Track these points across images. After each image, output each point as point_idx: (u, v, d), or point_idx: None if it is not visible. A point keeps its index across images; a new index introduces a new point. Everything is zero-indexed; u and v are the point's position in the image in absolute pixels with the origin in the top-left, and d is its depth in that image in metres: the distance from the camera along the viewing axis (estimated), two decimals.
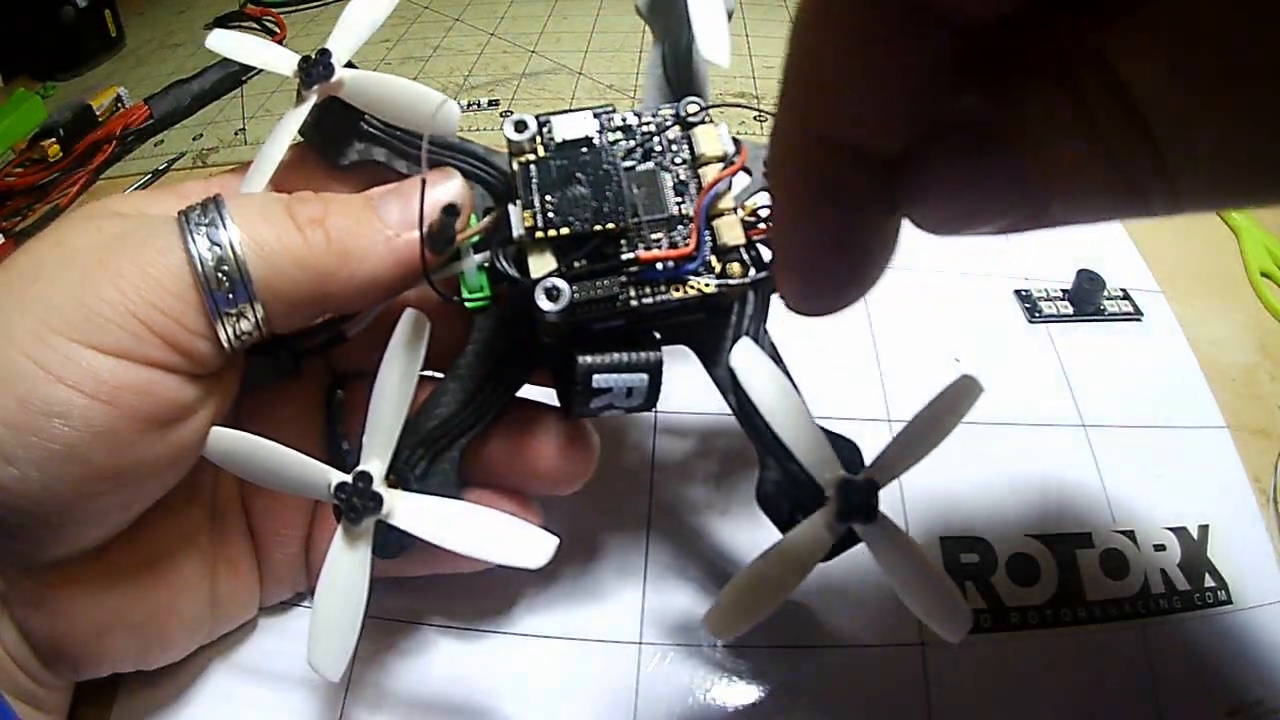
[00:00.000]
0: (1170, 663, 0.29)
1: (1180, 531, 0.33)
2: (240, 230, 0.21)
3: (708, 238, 0.23)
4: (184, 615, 0.25)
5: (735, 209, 0.23)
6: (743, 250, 0.23)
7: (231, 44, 0.27)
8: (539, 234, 0.21)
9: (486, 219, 0.24)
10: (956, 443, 0.35)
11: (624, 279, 0.22)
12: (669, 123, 0.24)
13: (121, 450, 0.20)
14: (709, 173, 0.23)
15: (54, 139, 0.50)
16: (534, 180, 0.22)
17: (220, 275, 0.20)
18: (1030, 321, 0.41)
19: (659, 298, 0.22)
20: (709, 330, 0.25)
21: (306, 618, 0.23)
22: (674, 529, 0.32)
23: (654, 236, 0.23)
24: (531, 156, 0.23)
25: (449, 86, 0.57)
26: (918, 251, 0.44)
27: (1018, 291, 0.42)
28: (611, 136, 0.24)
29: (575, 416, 0.25)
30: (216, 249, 0.21)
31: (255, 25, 0.66)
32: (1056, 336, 0.40)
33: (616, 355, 0.23)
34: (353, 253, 0.22)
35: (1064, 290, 0.42)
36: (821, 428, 0.23)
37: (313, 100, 0.25)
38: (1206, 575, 0.32)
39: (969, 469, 0.34)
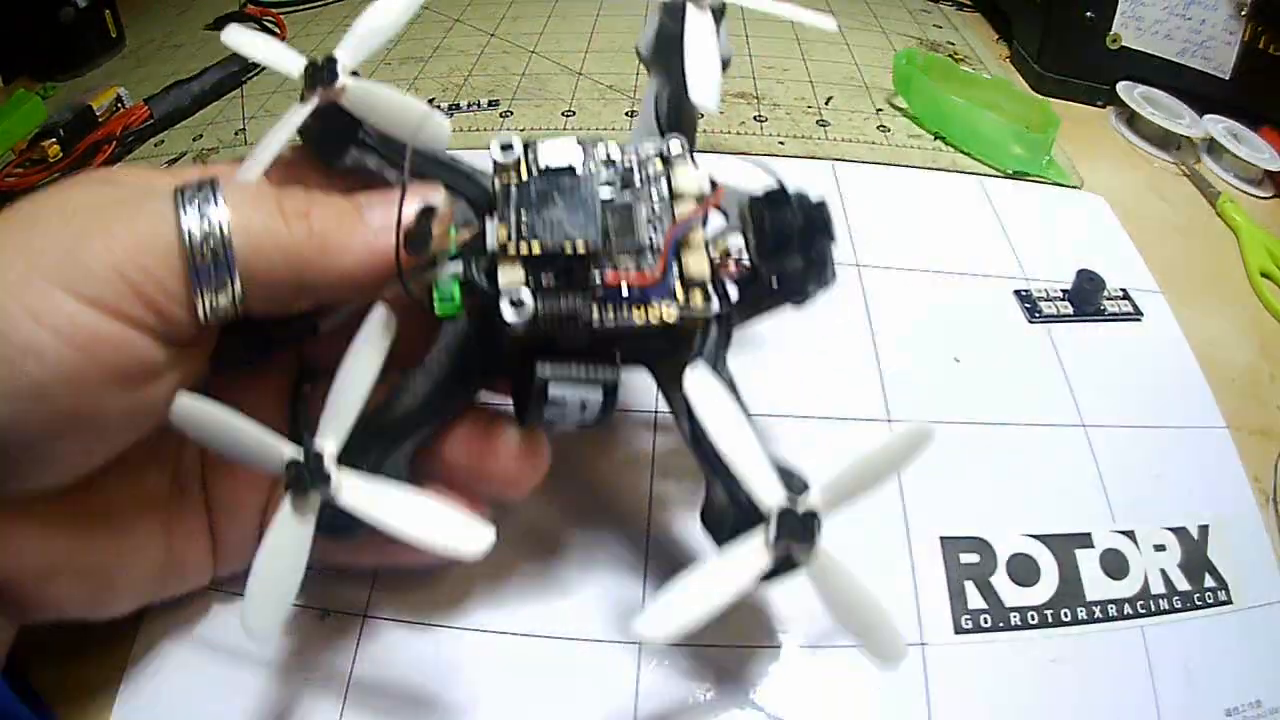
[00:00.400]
0: (1170, 663, 0.29)
1: (1180, 531, 0.33)
2: (230, 210, 0.22)
3: (675, 268, 0.23)
4: (132, 571, 0.26)
5: (706, 244, 0.24)
6: (709, 284, 0.23)
7: (244, 41, 0.27)
8: (511, 248, 0.22)
9: (465, 232, 0.24)
10: (957, 443, 0.36)
11: (589, 299, 0.23)
12: (651, 158, 0.25)
13: (86, 397, 0.21)
14: (684, 208, 0.24)
15: (54, 139, 0.50)
16: (513, 198, 0.23)
17: (205, 249, 0.22)
18: (1030, 321, 0.41)
19: (621, 320, 0.23)
20: (669, 356, 0.25)
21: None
22: (674, 528, 0.32)
23: (623, 263, 0.23)
24: (514, 177, 0.24)
25: (449, 87, 0.57)
26: (918, 251, 0.44)
27: (1018, 291, 0.42)
28: (594, 167, 0.24)
29: (527, 424, 0.25)
30: (205, 223, 0.22)
31: (255, 25, 0.66)
32: (1056, 336, 0.40)
33: (575, 368, 0.23)
34: (332, 246, 0.23)
35: (1064, 290, 0.42)
36: (772, 460, 0.23)
37: (314, 103, 0.25)
38: (1206, 575, 0.32)
39: (969, 469, 0.34)
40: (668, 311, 0.23)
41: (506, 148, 0.24)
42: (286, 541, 0.23)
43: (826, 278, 0.25)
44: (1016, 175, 0.50)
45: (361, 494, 0.23)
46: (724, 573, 0.22)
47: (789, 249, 0.24)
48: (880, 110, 0.55)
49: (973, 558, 0.32)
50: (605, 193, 0.24)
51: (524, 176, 0.24)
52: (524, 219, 0.23)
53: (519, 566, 0.31)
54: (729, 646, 0.29)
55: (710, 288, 0.23)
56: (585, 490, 0.33)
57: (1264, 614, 0.31)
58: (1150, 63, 0.56)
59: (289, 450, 0.23)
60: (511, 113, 0.54)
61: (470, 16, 0.66)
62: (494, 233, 0.23)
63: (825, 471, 0.23)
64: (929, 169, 0.50)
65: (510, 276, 0.23)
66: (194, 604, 0.30)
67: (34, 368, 0.20)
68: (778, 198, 0.24)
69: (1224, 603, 0.31)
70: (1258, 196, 0.51)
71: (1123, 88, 0.56)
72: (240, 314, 0.23)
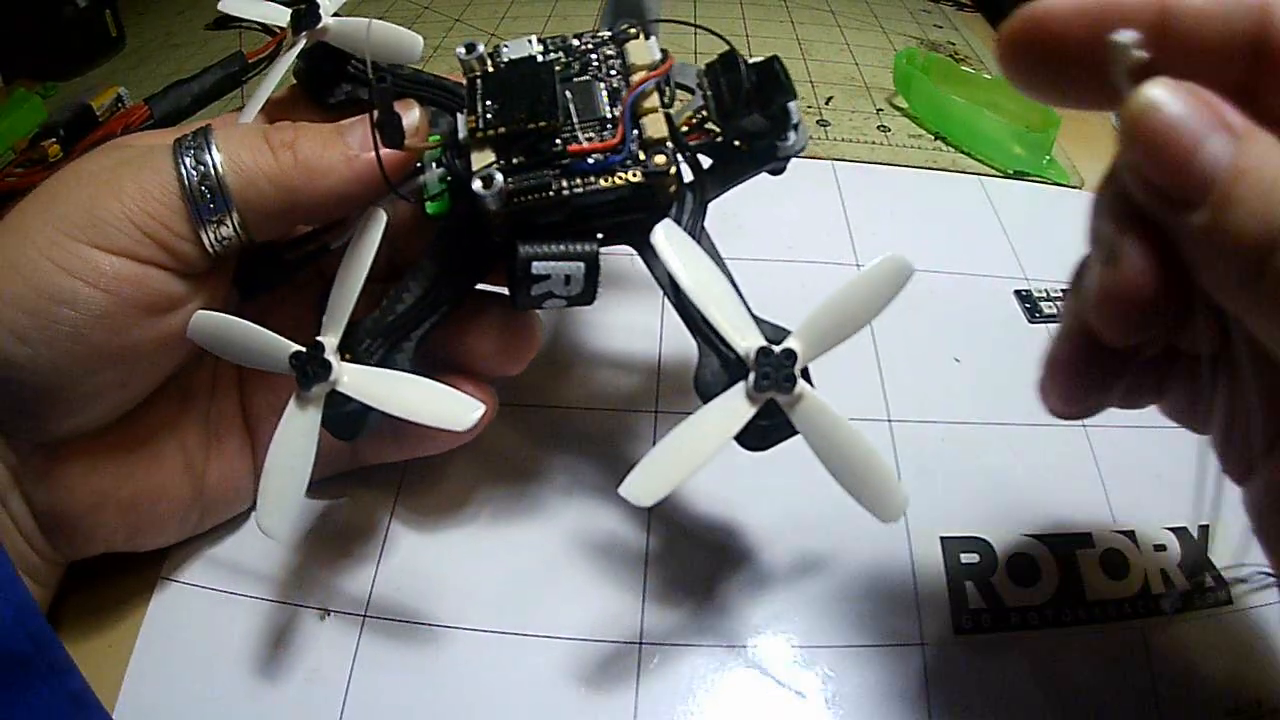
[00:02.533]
0: (1170, 663, 0.29)
1: (1180, 531, 0.33)
2: (221, 153, 0.25)
3: (634, 134, 0.25)
4: (170, 499, 0.29)
5: (665, 111, 0.25)
6: (669, 146, 0.25)
7: (238, 5, 0.32)
8: (479, 134, 0.24)
9: (449, 135, 0.27)
10: (957, 443, 0.35)
11: (556, 170, 0.24)
12: (605, 41, 0.27)
13: (118, 332, 0.24)
14: (637, 78, 0.26)
15: (54, 139, 0.50)
16: (479, 91, 0.25)
17: (203, 189, 0.24)
18: (1030, 321, 0.41)
19: (589, 187, 0.24)
20: (649, 228, 0.26)
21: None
22: (674, 529, 0.32)
23: (586, 136, 0.25)
24: (479, 71, 0.26)
25: None
26: (918, 251, 0.44)
27: (1018, 291, 0.42)
28: (554, 56, 0.27)
29: (520, 306, 0.26)
30: (201, 168, 0.24)
31: (256, 26, 0.66)
32: None
33: (555, 245, 0.25)
34: (317, 170, 0.25)
35: (1064, 290, 0.42)
36: (755, 315, 0.24)
37: (301, 44, 0.28)
38: (1206, 575, 0.32)
39: (969, 469, 0.34)
40: (632, 174, 0.24)
41: (470, 48, 0.26)
42: (295, 435, 0.25)
43: (790, 137, 0.27)
44: (1017, 175, 0.50)
45: (360, 380, 0.25)
46: (706, 427, 0.23)
47: (746, 107, 0.25)
48: (880, 110, 0.55)
49: (973, 558, 0.32)
50: (565, 74, 0.26)
51: (489, 70, 0.26)
52: (490, 106, 0.25)
53: (519, 567, 0.31)
54: (730, 646, 0.29)
55: (671, 147, 0.25)
56: (587, 492, 0.33)
57: (1264, 614, 0.31)
58: None
59: (293, 346, 0.25)
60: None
61: (470, 16, 0.66)
62: (463, 123, 0.25)
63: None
64: (929, 169, 0.50)
65: (482, 159, 0.24)
66: (195, 603, 0.30)
67: (69, 312, 0.23)
68: (730, 59, 0.25)
69: (1224, 603, 0.31)
70: None
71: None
72: (245, 242, 0.26)
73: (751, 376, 0.23)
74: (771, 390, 0.23)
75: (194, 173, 0.24)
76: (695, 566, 0.31)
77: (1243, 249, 0.16)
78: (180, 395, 0.29)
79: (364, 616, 0.29)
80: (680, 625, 0.29)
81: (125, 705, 0.27)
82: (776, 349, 0.23)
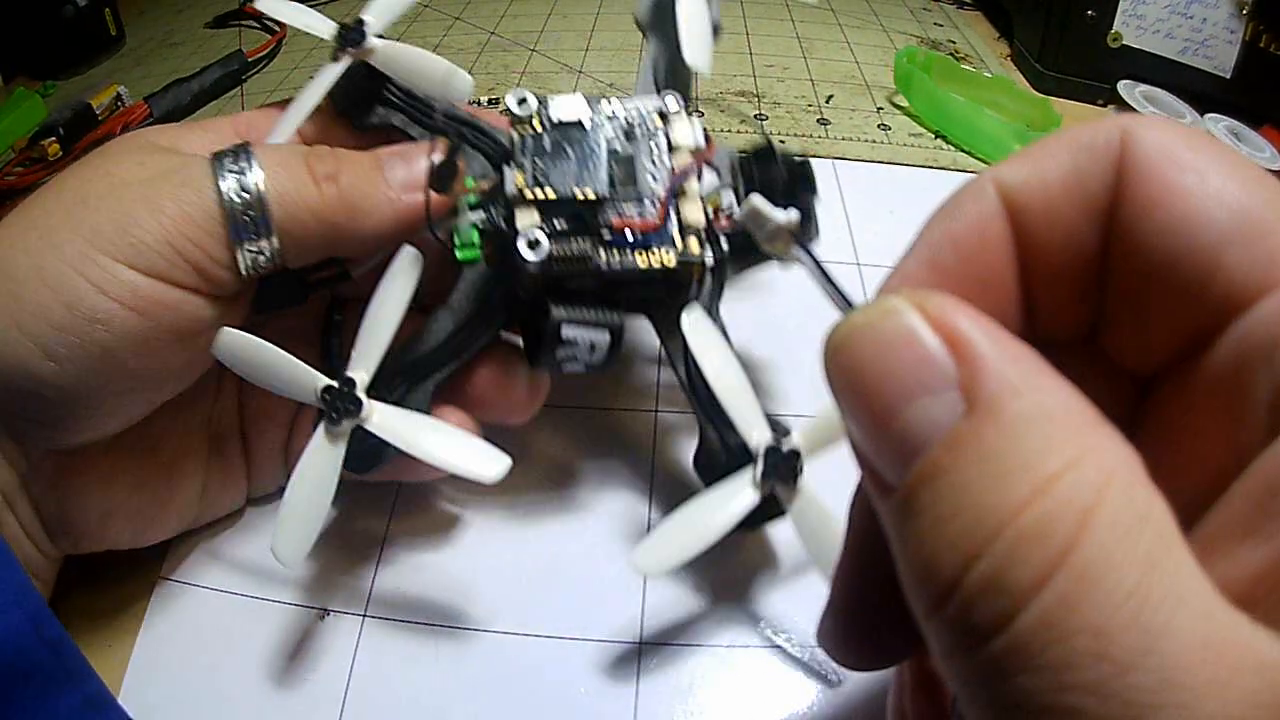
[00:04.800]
0: None
1: None
2: (264, 175, 0.24)
3: (673, 216, 0.26)
4: (177, 505, 0.29)
5: (700, 194, 0.26)
6: (703, 232, 0.26)
7: (277, 7, 0.31)
8: (528, 194, 0.25)
9: (485, 183, 0.27)
10: None
11: (598, 242, 0.25)
12: (650, 114, 0.27)
13: (149, 355, 0.24)
14: (680, 160, 0.26)
15: (54, 138, 0.50)
16: (529, 148, 0.26)
17: (245, 217, 0.24)
18: None
19: (625, 263, 0.25)
20: (669, 304, 0.27)
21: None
22: None
23: (627, 210, 0.26)
24: (529, 129, 0.26)
25: None
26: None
27: None
28: (600, 120, 0.27)
29: (538, 365, 0.27)
30: (245, 194, 0.24)
31: (256, 25, 0.66)
32: None
33: (586, 312, 0.25)
34: (360, 209, 0.25)
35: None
36: (761, 404, 0.26)
37: (346, 62, 0.27)
38: None
39: None
40: (667, 256, 0.25)
41: (522, 102, 0.26)
42: (318, 468, 0.25)
43: (811, 231, 0.28)
44: None
45: (388, 420, 0.25)
46: (713, 509, 0.25)
47: (775, 202, 0.25)
48: (881, 109, 0.55)
49: None
50: (610, 145, 0.26)
51: (538, 129, 0.26)
52: (539, 167, 0.25)
53: (519, 567, 0.31)
54: (730, 646, 0.29)
55: (705, 235, 0.26)
56: (588, 491, 0.33)
57: None
58: (1151, 61, 0.56)
59: (323, 380, 0.25)
60: (519, 85, 0.54)
61: (470, 14, 0.66)
62: (512, 179, 0.25)
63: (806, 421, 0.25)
64: (930, 168, 0.50)
65: (527, 219, 0.25)
66: (194, 603, 0.30)
67: (103, 334, 0.23)
68: (765, 154, 0.26)
69: None
70: None
71: (1124, 86, 0.56)
72: (278, 268, 0.25)
73: (760, 469, 0.25)
74: (776, 483, 0.25)
75: (237, 198, 0.24)
76: (695, 566, 0.31)
77: (922, 567, 0.11)
78: (188, 400, 0.28)
79: (364, 616, 0.29)
80: (680, 625, 0.29)
81: (125, 705, 0.27)
82: (784, 449, 0.25)
